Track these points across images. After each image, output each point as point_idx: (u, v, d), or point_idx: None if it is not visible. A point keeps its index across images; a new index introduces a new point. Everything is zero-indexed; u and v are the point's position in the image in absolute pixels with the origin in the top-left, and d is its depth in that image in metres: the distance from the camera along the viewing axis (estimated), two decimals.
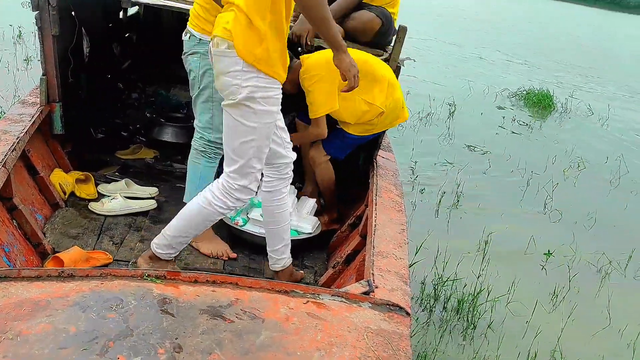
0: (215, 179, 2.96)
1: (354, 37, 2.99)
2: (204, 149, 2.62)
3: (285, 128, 2.36)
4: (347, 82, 2.20)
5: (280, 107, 2.15)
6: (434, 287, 3.42)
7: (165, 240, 2.27)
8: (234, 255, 2.78)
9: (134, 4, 3.12)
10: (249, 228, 2.93)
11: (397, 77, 3.03)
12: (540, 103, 8.79)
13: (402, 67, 3.06)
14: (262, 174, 2.29)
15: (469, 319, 3.23)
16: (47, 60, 2.98)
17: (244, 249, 2.89)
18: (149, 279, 1.67)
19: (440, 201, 4.74)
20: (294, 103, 2.93)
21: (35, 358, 1.31)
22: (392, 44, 3.02)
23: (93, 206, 2.97)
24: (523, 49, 15.58)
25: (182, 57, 2.59)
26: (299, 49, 3.03)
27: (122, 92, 4.59)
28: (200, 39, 2.46)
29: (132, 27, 4.95)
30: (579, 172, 6.07)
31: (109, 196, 3.04)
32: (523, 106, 8.77)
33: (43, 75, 3.02)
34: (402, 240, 2.35)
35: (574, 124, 8.22)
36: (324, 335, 1.55)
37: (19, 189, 2.60)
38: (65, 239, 2.68)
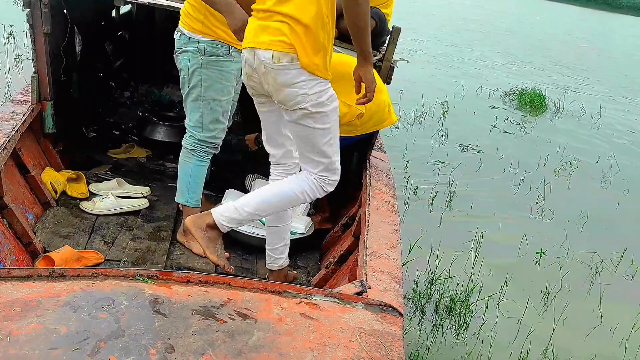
0: (208, 177, 2.98)
1: (347, 38, 2.99)
2: (194, 148, 2.61)
3: None
4: (360, 94, 2.23)
5: None
6: (427, 286, 3.42)
7: (239, 215, 2.20)
8: (227, 255, 2.77)
9: (126, 3, 3.11)
10: (243, 228, 2.91)
11: (390, 78, 3.02)
12: (532, 103, 8.83)
13: (395, 67, 3.06)
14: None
15: (461, 318, 3.24)
16: (38, 58, 2.96)
17: (237, 248, 2.88)
18: (140, 279, 1.66)
19: (433, 200, 4.75)
20: None
21: (25, 358, 1.30)
22: (385, 45, 3.01)
23: (84, 205, 2.95)
24: (516, 48, 15.64)
25: (174, 56, 2.58)
26: None
27: (114, 90, 4.57)
28: (190, 37, 2.45)
29: (125, 25, 4.93)
30: (571, 172, 6.09)
31: (100, 195, 3.03)
32: (516, 106, 8.80)
33: (34, 73, 2.99)
34: (395, 240, 2.35)
35: (566, 124, 8.26)
36: (317, 336, 1.55)
37: (9, 187, 2.58)
38: (56, 238, 2.66)
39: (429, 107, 7.38)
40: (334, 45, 2.24)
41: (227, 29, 2.41)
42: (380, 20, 3.02)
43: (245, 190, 3.25)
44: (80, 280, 1.60)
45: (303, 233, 2.99)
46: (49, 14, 2.87)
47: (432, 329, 3.15)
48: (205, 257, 2.68)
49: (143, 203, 3.06)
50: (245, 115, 3.91)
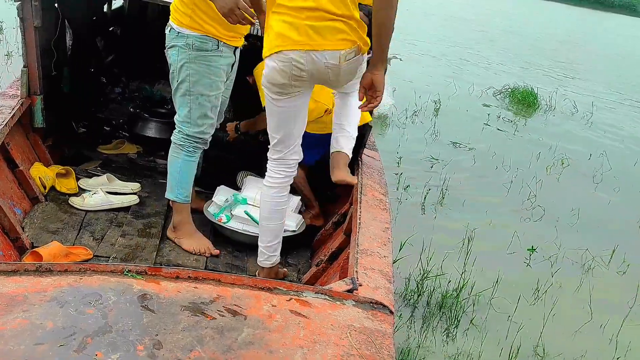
0: (199, 173, 2.95)
1: None
2: (182, 143, 2.60)
3: None
4: (367, 99, 2.21)
5: None
6: (418, 283, 3.42)
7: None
8: (217, 251, 2.75)
9: None
10: (233, 225, 2.90)
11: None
12: (525, 100, 8.86)
13: (389, 65, 3.05)
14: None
15: (452, 314, 3.24)
16: (28, 52, 2.93)
17: (227, 245, 2.86)
18: (129, 275, 1.64)
19: (425, 197, 4.75)
20: None
21: (10, 354, 1.28)
22: None
23: (73, 201, 2.92)
24: (509, 47, 15.68)
25: (165, 51, 2.56)
26: None
27: (105, 86, 4.54)
28: (178, 32, 2.44)
29: (117, 21, 4.89)
30: (563, 169, 6.12)
31: (90, 191, 3.00)
32: (508, 104, 8.83)
33: (24, 67, 2.96)
34: (386, 238, 2.35)
35: (558, 121, 8.30)
36: (307, 333, 1.54)
37: None
38: (45, 234, 2.63)
39: (422, 105, 7.39)
40: None
41: (215, 23, 2.39)
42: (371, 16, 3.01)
43: (237, 187, 3.24)
44: (68, 276, 1.58)
45: (294, 230, 2.97)
46: (39, 7, 2.84)
47: (423, 326, 3.15)
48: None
49: (133, 199, 3.04)
50: (237, 112, 3.89)
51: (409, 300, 3.31)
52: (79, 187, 3.08)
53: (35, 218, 2.74)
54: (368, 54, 2.52)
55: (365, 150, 3.26)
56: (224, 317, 1.54)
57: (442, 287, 3.44)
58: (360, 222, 2.40)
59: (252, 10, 2.25)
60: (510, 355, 3.01)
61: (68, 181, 3.08)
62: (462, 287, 3.42)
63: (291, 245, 2.96)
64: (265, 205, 2.44)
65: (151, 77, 4.74)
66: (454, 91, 8.72)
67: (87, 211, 2.88)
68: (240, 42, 2.62)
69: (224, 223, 2.89)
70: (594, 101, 9.74)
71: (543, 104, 8.93)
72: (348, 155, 2.56)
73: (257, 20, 2.34)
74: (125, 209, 2.97)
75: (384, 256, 2.18)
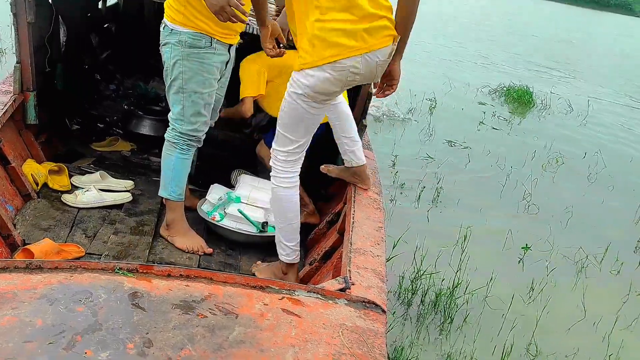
0: (193, 171, 2.95)
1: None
2: (176, 141, 2.59)
3: None
4: (382, 88, 2.32)
5: None
6: (412, 281, 3.42)
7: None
8: (210, 250, 2.74)
9: None
10: (226, 223, 2.89)
11: None
12: (520, 99, 8.87)
13: None
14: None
15: (446, 312, 3.24)
16: (21, 47, 2.91)
17: (221, 244, 2.85)
18: (120, 272, 1.63)
19: (420, 196, 4.75)
20: None
21: None
22: None
23: (66, 198, 2.91)
24: (505, 46, 15.70)
25: (159, 48, 2.55)
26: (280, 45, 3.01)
27: (99, 83, 4.52)
28: (172, 29, 2.42)
29: (111, 17, 4.87)
30: (558, 168, 6.13)
31: (82, 188, 2.98)
32: (503, 102, 8.84)
33: (17, 63, 2.95)
34: (380, 237, 2.34)
35: (553, 120, 8.31)
36: (299, 332, 1.53)
37: None
38: (37, 231, 2.62)
39: (417, 103, 7.39)
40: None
41: (209, 20, 2.38)
42: None
43: (231, 186, 3.22)
44: (58, 273, 1.57)
45: None
46: (33, 3, 2.82)
47: (416, 324, 3.15)
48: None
49: (126, 197, 3.03)
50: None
51: (403, 299, 3.31)
52: (71, 184, 3.07)
53: (27, 215, 2.72)
54: None
55: None
56: (215, 316, 1.53)
57: (436, 285, 3.44)
58: (353, 222, 2.40)
59: (244, 7, 2.23)
60: (504, 353, 3.01)
61: (61, 178, 3.06)
62: (456, 286, 3.42)
63: None
64: (291, 206, 2.42)
65: (146, 75, 4.72)
66: (449, 89, 8.72)
67: (79, 208, 2.87)
68: (236, 40, 2.60)
69: (218, 221, 2.88)
70: (589, 100, 9.76)
71: (538, 102, 8.94)
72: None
73: (249, 18, 2.32)
74: (118, 207, 2.96)
75: (377, 255, 2.18)
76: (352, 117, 2.80)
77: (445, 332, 3.13)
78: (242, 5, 2.22)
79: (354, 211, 2.50)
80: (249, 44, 3.17)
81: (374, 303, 1.76)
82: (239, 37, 2.65)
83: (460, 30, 17.24)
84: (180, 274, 1.69)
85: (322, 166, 2.93)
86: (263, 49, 2.46)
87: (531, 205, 4.99)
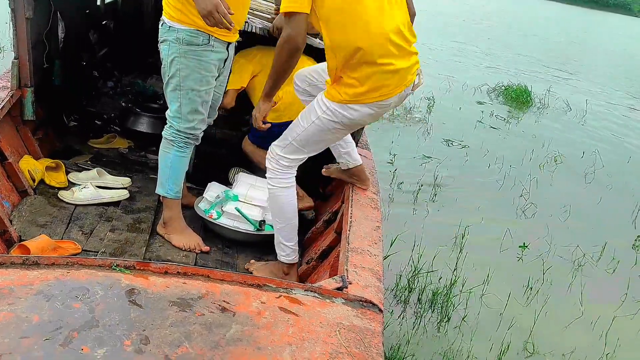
0: (191, 169, 2.93)
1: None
2: (173, 139, 2.58)
3: None
4: None
5: None
6: (409, 280, 3.42)
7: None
8: (207, 248, 2.73)
9: None
10: (223, 221, 2.88)
11: None
12: (518, 98, 8.87)
13: None
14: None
15: (443, 311, 3.25)
16: (19, 43, 2.90)
17: (218, 242, 2.85)
18: (117, 269, 1.62)
19: (417, 194, 4.75)
20: None
21: None
22: None
23: (63, 195, 2.90)
24: (504, 45, 15.70)
25: (158, 45, 2.54)
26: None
27: (97, 80, 4.50)
28: (170, 26, 2.42)
29: (110, 15, 4.85)
30: (555, 166, 6.14)
31: (79, 185, 2.97)
32: (501, 101, 8.84)
33: (15, 58, 2.94)
34: (377, 237, 2.34)
35: (551, 119, 8.32)
36: (296, 330, 1.53)
37: None
38: (33, 228, 2.61)
39: (415, 102, 7.38)
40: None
41: None
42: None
43: (228, 184, 3.22)
44: (55, 269, 1.56)
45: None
46: None
47: (413, 322, 3.15)
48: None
49: (123, 194, 3.02)
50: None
51: (400, 297, 3.31)
52: (68, 180, 3.06)
53: (24, 211, 2.72)
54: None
55: (358, 149, 3.24)
56: (212, 313, 1.53)
57: (434, 283, 3.45)
58: (351, 221, 2.40)
59: (230, 16, 2.23)
60: (501, 351, 3.02)
61: (58, 175, 3.05)
62: (454, 284, 3.43)
63: None
64: (289, 205, 2.49)
65: (144, 72, 4.71)
66: (447, 88, 8.72)
67: (76, 205, 2.86)
68: (234, 38, 2.59)
69: (215, 219, 2.88)
70: (587, 99, 9.77)
71: (536, 101, 8.95)
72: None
73: (249, 17, 2.32)
74: (115, 204, 2.95)
75: (375, 255, 2.17)
76: None
77: (442, 330, 3.14)
78: (231, 14, 2.21)
79: (352, 210, 2.50)
80: (248, 42, 3.17)
81: (371, 302, 1.76)
82: (238, 35, 2.64)
83: (459, 29, 17.24)
84: (178, 272, 1.68)
85: (324, 169, 2.95)
86: (254, 121, 2.49)
87: (529, 204, 4.99)
